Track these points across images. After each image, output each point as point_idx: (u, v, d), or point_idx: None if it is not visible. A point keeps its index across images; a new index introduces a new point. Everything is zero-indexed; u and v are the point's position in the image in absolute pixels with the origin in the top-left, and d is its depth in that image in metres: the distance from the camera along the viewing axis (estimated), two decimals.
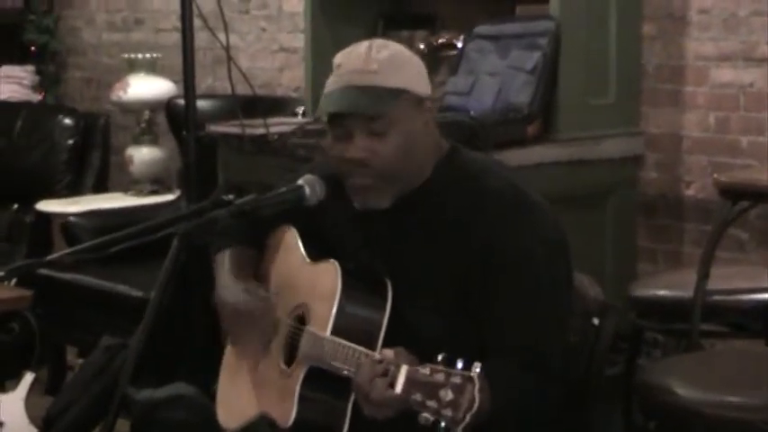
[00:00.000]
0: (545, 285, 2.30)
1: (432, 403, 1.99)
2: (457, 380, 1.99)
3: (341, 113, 2.35)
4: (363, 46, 2.39)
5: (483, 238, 2.31)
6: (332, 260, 2.40)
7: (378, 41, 2.41)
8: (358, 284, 2.35)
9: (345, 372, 2.22)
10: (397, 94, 2.33)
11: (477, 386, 1.98)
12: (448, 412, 1.98)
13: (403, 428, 2.11)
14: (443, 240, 2.36)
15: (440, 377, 2.00)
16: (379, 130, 2.33)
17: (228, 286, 2.54)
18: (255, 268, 2.61)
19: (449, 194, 2.37)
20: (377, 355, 2.18)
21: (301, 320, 2.42)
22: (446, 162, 2.41)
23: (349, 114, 2.34)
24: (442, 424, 1.98)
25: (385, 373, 2.09)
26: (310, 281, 2.44)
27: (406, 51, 2.42)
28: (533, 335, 2.28)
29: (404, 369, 2.05)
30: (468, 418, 1.98)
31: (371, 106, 2.32)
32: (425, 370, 2.02)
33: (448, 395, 1.98)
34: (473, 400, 1.98)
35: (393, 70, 2.34)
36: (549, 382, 2.28)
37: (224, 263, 2.60)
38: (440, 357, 2.03)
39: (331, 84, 2.38)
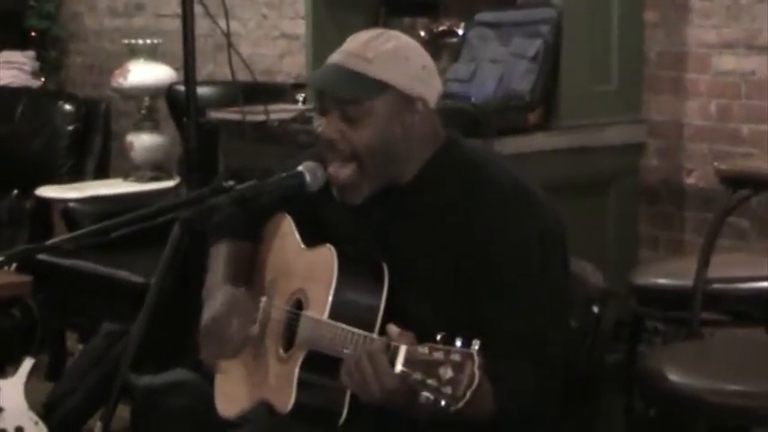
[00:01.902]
0: (542, 276, 2.29)
1: (432, 382, 1.98)
2: (456, 357, 1.98)
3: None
4: (373, 32, 2.38)
5: (481, 229, 2.30)
6: (328, 245, 2.39)
7: (392, 32, 2.40)
8: (354, 268, 2.35)
9: (345, 353, 2.21)
10: (383, 87, 2.31)
11: (476, 363, 1.97)
12: (448, 390, 1.97)
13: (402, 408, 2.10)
14: (440, 230, 2.34)
15: (439, 355, 1.99)
16: (353, 116, 2.31)
17: (215, 288, 2.49)
18: (250, 262, 2.59)
19: (445, 185, 2.36)
20: (376, 336, 2.17)
21: (299, 306, 2.41)
22: (443, 153, 2.39)
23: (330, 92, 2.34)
24: (442, 402, 1.97)
25: (384, 353, 2.09)
26: (306, 266, 2.43)
27: (415, 49, 2.38)
28: (531, 325, 2.27)
29: (403, 348, 2.04)
30: (468, 395, 1.97)
31: (347, 91, 2.31)
32: (424, 349, 2.01)
33: (447, 373, 1.97)
34: (473, 377, 1.97)
35: (388, 64, 2.31)
36: (549, 371, 2.28)
37: (218, 259, 2.57)
38: (439, 337, 2.02)
39: (329, 58, 2.37)
